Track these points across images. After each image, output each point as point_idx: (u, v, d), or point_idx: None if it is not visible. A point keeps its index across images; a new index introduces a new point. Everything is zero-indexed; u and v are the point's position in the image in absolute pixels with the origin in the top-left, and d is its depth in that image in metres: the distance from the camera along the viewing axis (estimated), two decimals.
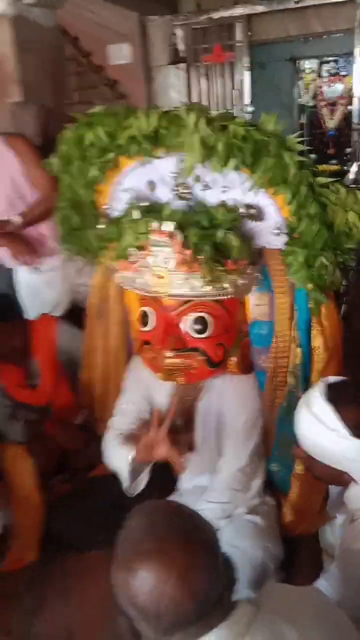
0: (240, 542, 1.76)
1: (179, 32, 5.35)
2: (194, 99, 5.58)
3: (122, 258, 1.82)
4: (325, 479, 1.55)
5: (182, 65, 5.48)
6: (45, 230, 2.65)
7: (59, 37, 3.13)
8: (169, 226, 1.65)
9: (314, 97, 8.18)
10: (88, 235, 2.00)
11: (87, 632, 1.77)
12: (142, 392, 2.06)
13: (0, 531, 1.96)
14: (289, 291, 1.77)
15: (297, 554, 1.92)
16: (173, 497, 2.01)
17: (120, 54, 5.54)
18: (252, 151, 1.59)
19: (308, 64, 8.02)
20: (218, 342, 1.81)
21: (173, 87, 5.70)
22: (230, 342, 1.85)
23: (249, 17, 5.21)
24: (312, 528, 1.89)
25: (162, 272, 1.71)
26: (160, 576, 0.92)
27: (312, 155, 8.85)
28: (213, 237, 1.67)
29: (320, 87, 8.05)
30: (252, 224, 1.76)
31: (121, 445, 1.97)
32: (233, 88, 5.47)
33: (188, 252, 1.65)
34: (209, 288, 1.70)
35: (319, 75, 8.06)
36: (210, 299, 1.74)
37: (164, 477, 2.06)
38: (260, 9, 5.09)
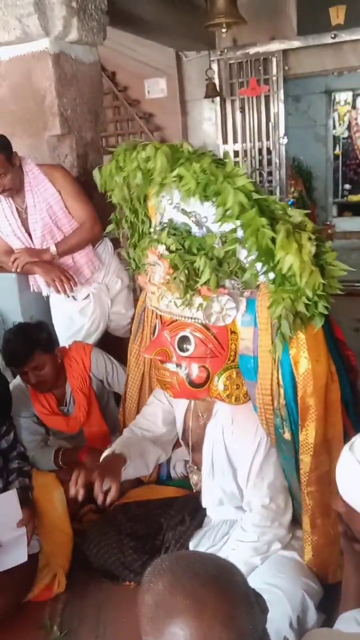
0: (278, 579, 1.70)
1: (215, 67, 5.45)
2: (229, 132, 5.66)
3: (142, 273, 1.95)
4: None
5: (217, 99, 5.57)
6: (81, 259, 2.69)
7: (98, 72, 3.21)
8: (160, 248, 1.76)
9: (348, 128, 8.23)
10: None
11: None
12: (166, 402, 2.13)
13: (26, 559, 1.93)
14: (271, 328, 1.69)
15: (337, 593, 1.85)
16: (202, 533, 1.98)
17: (157, 88, 5.69)
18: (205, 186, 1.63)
19: (343, 96, 8.10)
20: (201, 364, 1.81)
21: (207, 119, 5.80)
22: (215, 367, 1.82)
23: (284, 52, 5.28)
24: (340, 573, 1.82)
25: (154, 288, 1.83)
26: (204, 629, 0.86)
27: (347, 186, 8.89)
28: (193, 262, 1.72)
29: (355, 118, 8.09)
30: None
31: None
32: (268, 121, 5.53)
33: (171, 272, 1.73)
34: (183, 309, 1.76)
35: (354, 107, 8.11)
36: (187, 320, 1.79)
37: (193, 502, 2.04)
38: (296, 44, 5.16)
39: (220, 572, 0.95)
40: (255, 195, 1.60)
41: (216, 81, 5.46)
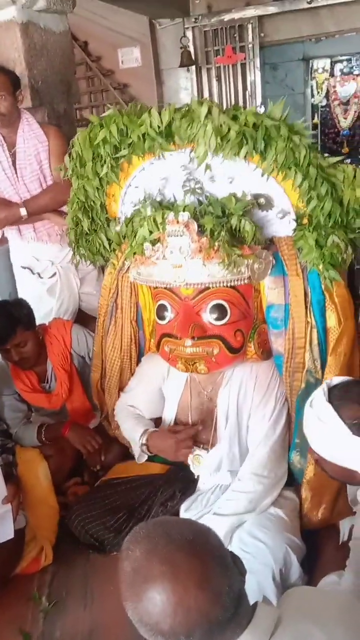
0: (263, 533, 1.75)
1: (190, 35, 5.35)
2: None
3: (138, 253, 1.88)
4: (339, 477, 1.55)
5: (193, 68, 5.48)
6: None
7: (69, 41, 3.14)
8: (184, 216, 1.72)
9: (327, 96, 8.15)
10: (99, 238, 2.06)
11: (109, 634, 1.76)
12: (156, 381, 2.12)
13: (12, 536, 1.95)
14: (302, 273, 1.81)
15: (319, 553, 1.90)
16: (193, 498, 2.01)
17: (131, 58, 5.57)
18: (264, 137, 1.65)
19: (321, 64, 7.99)
20: (236, 329, 1.83)
21: (183, 89, 5.72)
22: (247, 327, 1.88)
23: (260, 19, 5.19)
24: (331, 515, 1.90)
25: (180, 261, 1.76)
26: (180, 592, 0.90)
27: (326, 155, 8.80)
28: (227, 223, 1.72)
29: (334, 86, 8.01)
30: (261, 214, 1.81)
31: (135, 420, 2.11)
32: (244, 89, 5.45)
33: (205, 239, 1.70)
34: (226, 273, 1.73)
35: (332, 75, 8.02)
36: (227, 285, 1.77)
37: (183, 477, 2.06)
38: (271, 10, 5.08)
39: (195, 536, 0.98)
40: (308, 141, 1.68)
41: (191, 49, 5.36)
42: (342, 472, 1.48)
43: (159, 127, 1.73)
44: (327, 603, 1.12)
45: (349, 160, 7.47)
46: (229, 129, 1.65)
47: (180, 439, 1.97)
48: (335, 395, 1.45)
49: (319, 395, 1.47)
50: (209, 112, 1.66)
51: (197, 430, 2.01)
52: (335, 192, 1.70)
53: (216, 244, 1.70)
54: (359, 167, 1.75)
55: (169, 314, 1.87)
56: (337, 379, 1.53)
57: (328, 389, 1.48)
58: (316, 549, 1.91)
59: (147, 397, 2.14)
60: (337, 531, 1.85)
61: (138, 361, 2.24)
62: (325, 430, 1.43)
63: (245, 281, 1.78)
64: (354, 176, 1.70)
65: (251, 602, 1.02)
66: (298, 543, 1.79)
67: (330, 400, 1.44)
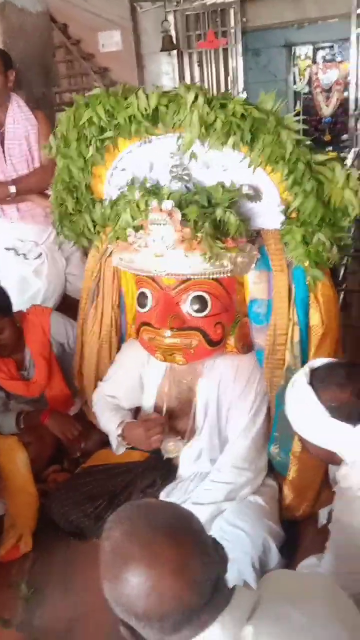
0: (243, 521, 1.76)
1: (171, 19, 5.29)
2: None
3: (120, 239, 1.84)
4: (321, 457, 1.56)
5: (175, 53, 5.42)
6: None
7: (47, 23, 3.08)
8: (168, 204, 1.67)
9: (309, 83, 8.14)
10: (83, 219, 2.01)
11: (88, 621, 1.76)
12: (136, 369, 2.08)
13: None
14: (287, 269, 1.80)
15: (299, 539, 1.92)
16: (173, 485, 2.01)
17: (111, 41, 5.49)
18: (251, 128, 1.61)
19: (303, 50, 7.97)
20: (217, 321, 1.81)
21: (165, 74, 5.66)
22: (229, 321, 1.86)
23: (242, 3, 5.15)
24: (313, 508, 1.91)
25: (162, 250, 1.72)
26: (155, 577, 0.89)
27: (308, 142, 8.81)
28: (212, 214, 1.69)
29: (316, 73, 8.00)
30: (249, 205, 1.78)
31: (112, 412, 2.08)
32: (226, 75, 5.42)
33: (187, 229, 1.66)
34: (208, 265, 1.70)
35: (314, 62, 8.01)
36: (209, 277, 1.74)
37: (164, 465, 2.06)
38: None
39: (177, 522, 0.97)
40: (296, 136, 1.64)
41: (173, 33, 5.30)
42: (322, 453, 1.50)
43: (146, 109, 1.69)
44: (306, 585, 1.12)
45: (330, 148, 7.50)
46: (215, 118, 1.61)
47: (149, 427, 1.94)
48: (316, 378, 1.46)
49: (300, 377, 1.48)
50: (196, 98, 1.62)
51: (166, 419, 1.99)
52: (321, 190, 1.67)
53: (199, 235, 1.66)
54: (345, 163, 1.73)
55: (150, 303, 1.84)
56: (319, 361, 1.53)
57: (310, 371, 1.49)
58: (296, 534, 1.92)
59: (126, 384, 2.12)
60: (317, 517, 1.87)
61: (119, 347, 2.23)
62: (305, 412, 1.45)
63: (228, 274, 1.74)
64: (344, 177, 1.67)
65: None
66: (277, 530, 1.81)
67: (311, 383, 1.45)
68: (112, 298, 2.11)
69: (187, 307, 1.79)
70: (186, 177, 1.77)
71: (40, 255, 2.74)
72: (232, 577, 1.54)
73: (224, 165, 1.73)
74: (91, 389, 2.24)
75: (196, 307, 1.78)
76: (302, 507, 1.94)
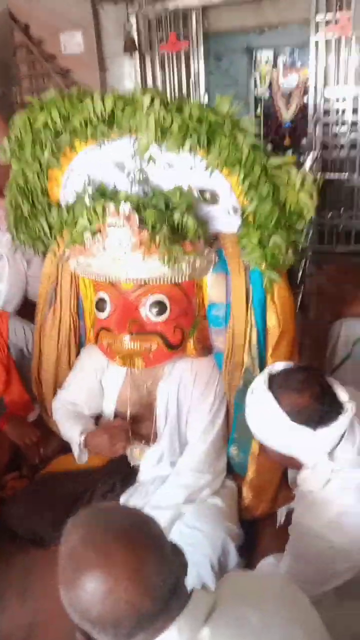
0: (202, 523, 1.77)
1: (133, 21, 5.27)
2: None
3: (78, 243, 1.82)
4: (280, 462, 1.58)
5: (137, 55, 5.41)
6: None
7: (7, 22, 3.04)
8: (125, 207, 1.67)
9: (270, 88, 8.22)
10: (39, 223, 1.99)
11: (47, 628, 1.74)
12: (95, 374, 2.07)
13: None
14: (244, 272, 1.81)
15: (258, 539, 1.94)
16: (133, 489, 1.99)
17: (73, 43, 5.44)
18: (207, 132, 1.62)
19: (264, 55, 8.05)
20: (176, 325, 1.82)
21: (127, 76, 5.64)
22: (188, 324, 1.87)
23: (204, 8, 5.17)
24: (272, 508, 1.93)
25: (119, 254, 1.71)
26: (110, 583, 0.89)
27: (268, 146, 8.92)
28: (170, 218, 1.69)
29: (277, 78, 8.08)
30: (207, 208, 1.79)
31: (74, 419, 2.05)
32: (188, 78, 5.43)
33: (145, 233, 1.66)
34: (166, 270, 1.70)
35: (275, 67, 8.09)
36: (168, 281, 1.74)
37: (123, 469, 2.05)
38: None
39: (134, 527, 0.96)
40: (252, 140, 1.65)
41: (135, 36, 5.28)
42: (283, 458, 1.51)
43: (102, 113, 1.68)
44: (262, 586, 1.13)
45: (290, 151, 7.59)
46: (172, 122, 1.62)
47: (113, 435, 1.94)
48: (276, 383, 1.47)
49: (260, 383, 1.49)
50: (152, 102, 1.62)
51: (129, 424, 1.99)
52: (277, 194, 1.69)
53: (157, 239, 1.66)
54: (302, 166, 1.76)
55: (108, 307, 1.84)
56: (277, 366, 1.54)
57: (269, 376, 1.50)
58: (255, 533, 1.94)
59: (86, 391, 2.10)
60: (275, 516, 1.88)
61: (78, 353, 2.20)
62: (266, 417, 1.46)
63: (186, 278, 1.76)
64: (299, 180, 1.69)
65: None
66: (236, 530, 1.82)
67: (270, 388, 1.46)
68: (70, 303, 2.10)
69: (146, 311, 1.78)
70: (144, 181, 1.77)
71: (1, 256, 2.69)
72: (191, 580, 1.54)
73: (181, 169, 1.73)
74: (50, 396, 2.22)
75: (155, 310, 1.78)
76: (261, 507, 1.96)
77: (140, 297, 1.79)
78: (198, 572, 1.66)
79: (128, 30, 5.16)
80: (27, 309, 2.75)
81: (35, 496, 2.04)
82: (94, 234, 1.78)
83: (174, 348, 1.84)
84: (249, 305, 1.83)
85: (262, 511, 1.98)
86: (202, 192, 1.74)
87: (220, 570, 1.70)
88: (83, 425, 2.03)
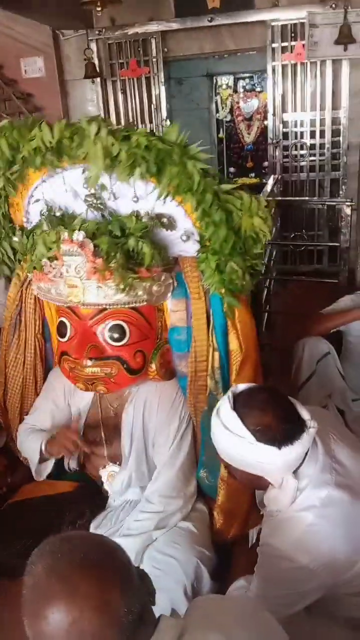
0: (173, 549, 1.76)
1: (94, 47, 5.34)
2: (111, 113, 5.58)
3: (37, 269, 1.83)
4: (247, 483, 1.58)
5: (98, 80, 5.47)
6: None
7: None
8: (79, 235, 1.67)
9: (231, 112, 8.40)
10: (2, 248, 2.01)
11: None
12: (63, 397, 2.06)
13: None
14: (204, 296, 1.82)
15: (232, 561, 1.93)
16: (103, 515, 1.97)
17: (34, 67, 5.47)
18: (156, 160, 1.62)
19: (224, 80, 8.23)
20: (137, 349, 1.82)
21: (90, 101, 5.68)
22: (149, 348, 1.87)
23: (163, 34, 5.27)
24: (243, 530, 1.94)
25: (75, 281, 1.71)
26: (74, 615, 0.87)
27: (231, 169, 9.12)
28: (125, 244, 1.69)
29: (237, 102, 8.26)
30: (164, 233, 1.80)
31: (33, 435, 2.01)
32: (150, 102, 5.51)
33: (99, 260, 1.66)
34: (122, 296, 1.71)
35: (235, 91, 8.28)
36: (125, 306, 1.74)
37: (92, 494, 2.03)
38: (174, 26, 5.16)
39: (99, 556, 0.95)
40: (202, 166, 1.66)
41: (95, 61, 5.35)
42: (250, 478, 1.51)
43: (50, 142, 1.69)
44: (232, 610, 1.13)
45: (253, 174, 7.73)
46: (120, 150, 1.62)
47: (68, 429, 1.94)
48: (240, 403, 1.48)
49: (224, 403, 1.49)
50: (99, 130, 1.63)
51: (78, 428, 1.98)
52: (231, 220, 1.70)
53: (111, 266, 1.66)
54: (255, 189, 1.78)
55: (69, 332, 1.83)
56: (241, 386, 1.55)
57: (233, 396, 1.51)
58: (227, 555, 1.94)
59: (54, 415, 2.07)
60: (247, 537, 1.89)
61: (45, 376, 2.19)
62: (231, 437, 1.45)
63: (144, 303, 1.76)
64: (250, 204, 1.71)
65: None
66: (208, 555, 1.81)
67: (235, 408, 1.46)
68: (35, 326, 2.09)
69: (106, 336, 1.78)
70: (101, 206, 1.78)
71: None
72: (164, 605, 1.53)
73: (136, 196, 1.75)
74: (16, 423, 2.19)
75: (115, 336, 1.78)
76: (232, 530, 1.96)
77: (99, 322, 1.79)
78: (171, 599, 1.64)
79: (89, 56, 5.21)
80: None
81: (3, 526, 2.00)
82: (51, 260, 1.78)
83: (136, 373, 1.84)
84: (211, 329, 1.83)
85: (234, 534, 1.98)
86: (159, 216, 1.75)
87: (194, 595, 1.68)
88: (45, 436, 2.00)
